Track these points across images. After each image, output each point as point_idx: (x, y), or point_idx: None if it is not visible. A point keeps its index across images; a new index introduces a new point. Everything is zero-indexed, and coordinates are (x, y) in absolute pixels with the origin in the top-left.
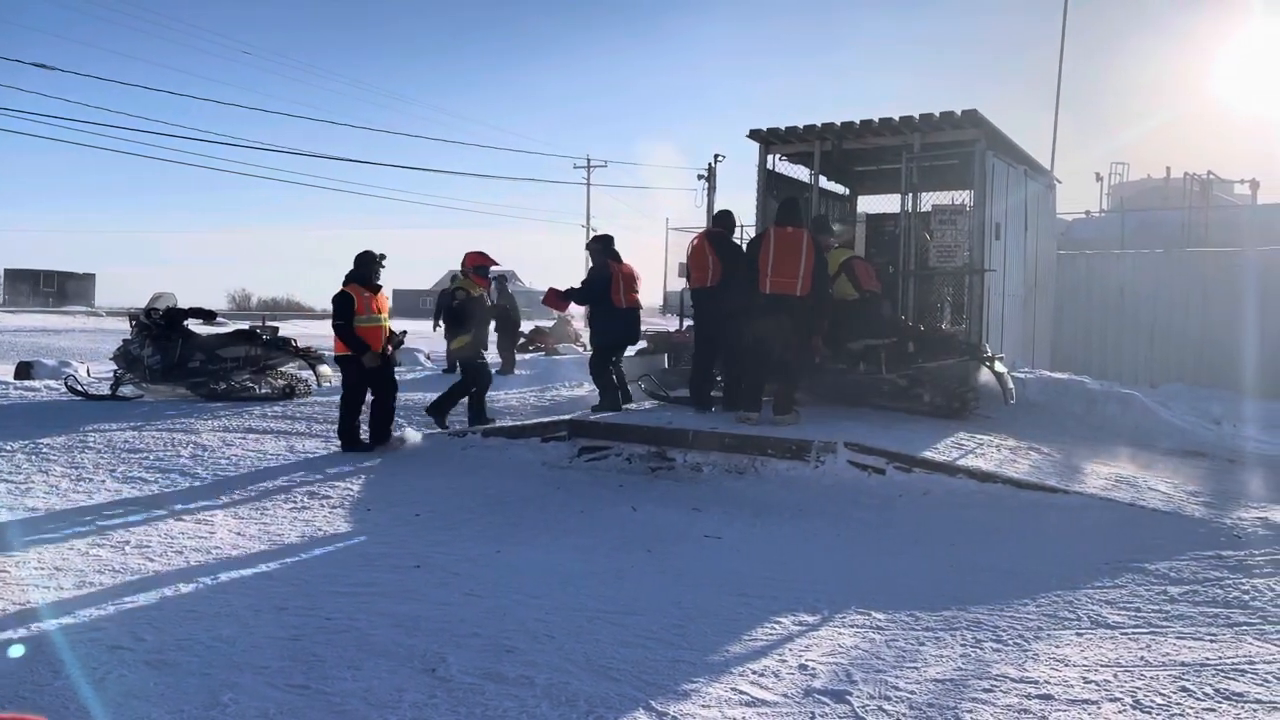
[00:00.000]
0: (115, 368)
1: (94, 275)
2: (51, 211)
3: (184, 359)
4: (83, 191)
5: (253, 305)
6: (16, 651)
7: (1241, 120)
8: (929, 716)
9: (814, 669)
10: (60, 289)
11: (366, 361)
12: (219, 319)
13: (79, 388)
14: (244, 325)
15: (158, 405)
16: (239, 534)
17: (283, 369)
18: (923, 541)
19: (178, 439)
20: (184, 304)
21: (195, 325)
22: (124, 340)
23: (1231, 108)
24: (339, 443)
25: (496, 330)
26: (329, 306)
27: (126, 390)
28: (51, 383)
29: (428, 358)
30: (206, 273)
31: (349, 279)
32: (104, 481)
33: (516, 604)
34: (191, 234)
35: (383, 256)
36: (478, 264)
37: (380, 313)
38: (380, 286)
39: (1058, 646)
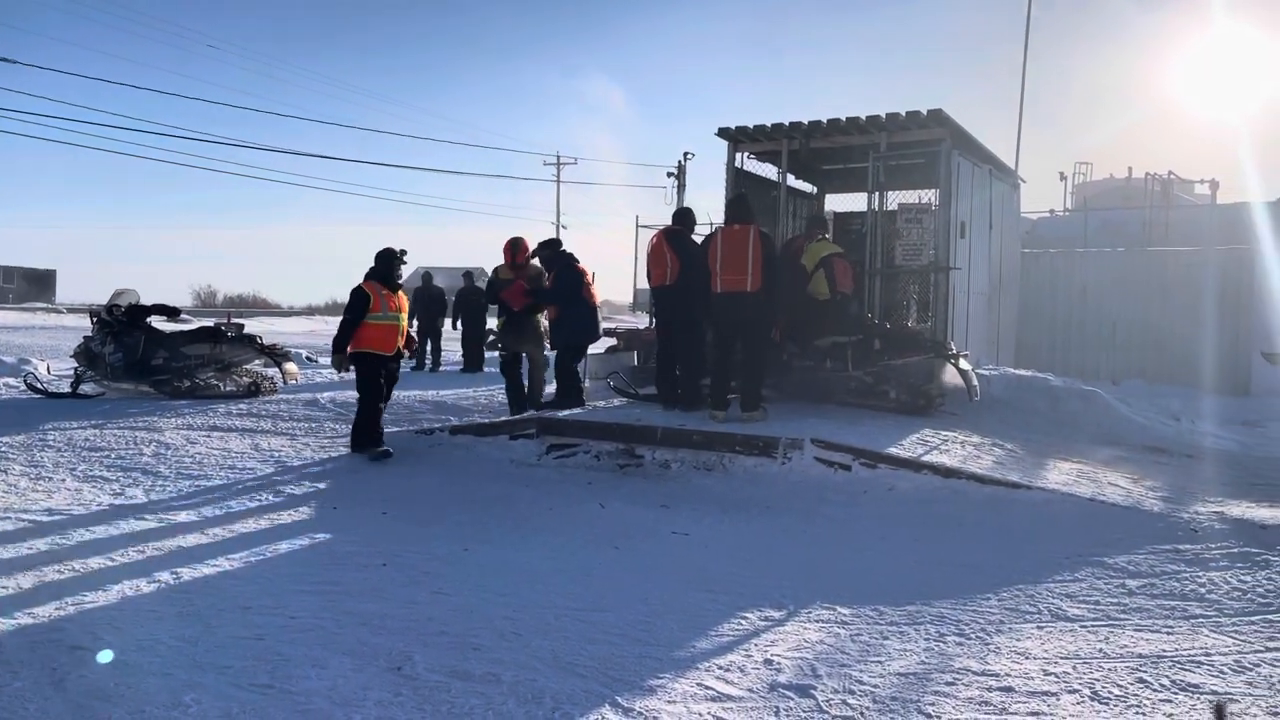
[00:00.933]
0: (76, 365)
1: (55, 271)
2: (11, 207)
3: (147, 356)
4: (43, 186)
5: (218, 302)
6: None
7: (1202, 122)
8: (892, 710)
9: (779, 664)
10: (21, 285)
11: (334, 364)
12: (183, 316)
13: (39, 385)
14: (209, 322)
15: (119, 403)
16: (202, 533)
17: (248, 367)
18: (888, 537)
19: (140, 437)
20: (147, 300)
21: (159, 322)
22: (85, 337)
23: (1192, 110)
24: (347, 444)
25: (462, 326)
26: (295, 303)
27: (88, 388)
28: (11, 380)
29: None
30: (171, 269)
31: (369, 276)
32: (64, 480)
33: (484, 602)
34: (156, 230)
35: (403, 253)
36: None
37: (399, 311)
38: (400, 285)
39: (1019, 640)
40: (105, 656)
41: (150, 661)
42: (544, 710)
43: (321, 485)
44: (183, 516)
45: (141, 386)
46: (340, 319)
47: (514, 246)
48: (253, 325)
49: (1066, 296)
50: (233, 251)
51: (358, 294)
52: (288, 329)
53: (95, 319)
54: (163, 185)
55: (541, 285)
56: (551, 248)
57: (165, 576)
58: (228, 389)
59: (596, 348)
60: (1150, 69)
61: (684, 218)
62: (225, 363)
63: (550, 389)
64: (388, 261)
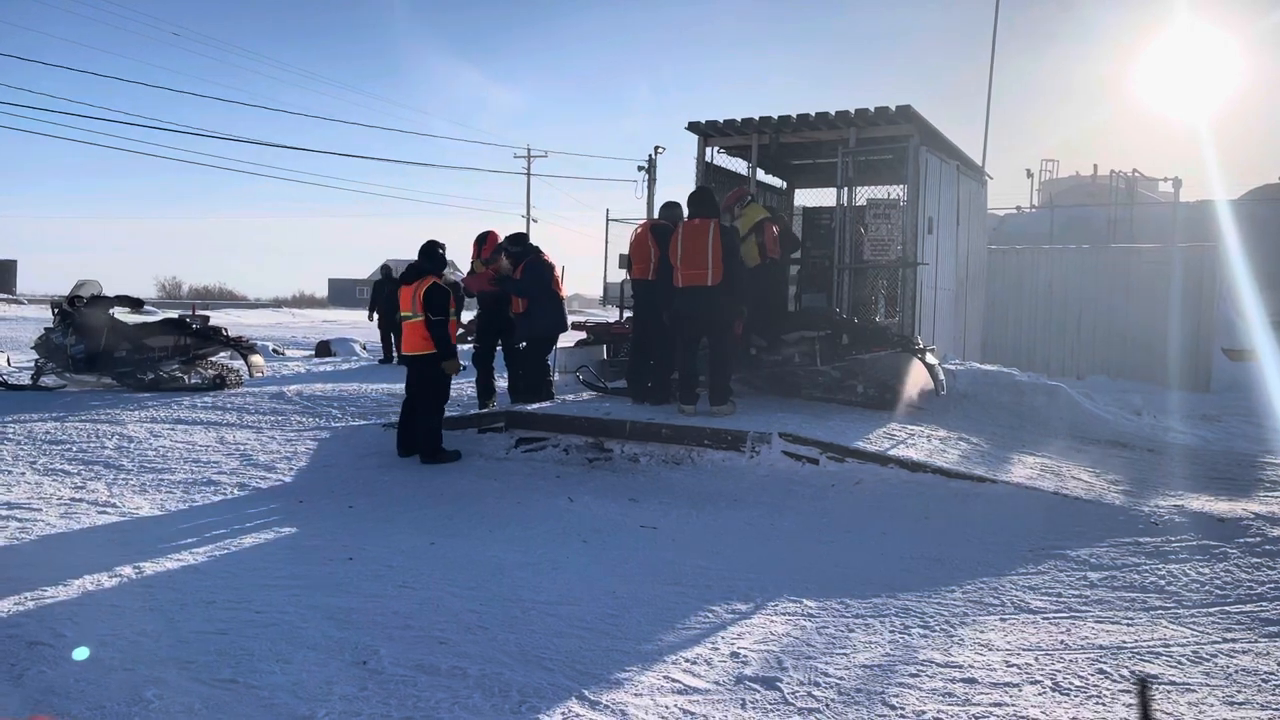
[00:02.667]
0: (37, 357)
1: (16, 262)
2: None
3: (109, 348)
4: (3, 175)
5: (183, 293)
6: None
7: (1166, 120)
8: (857, 702)
9: (746, 656)
10: None
11: (448, 368)
12: (147, 307)
13: None
14: (173, 314)
15: (81, 396)
16: (165, 527)
17: (213, 359)
18: (854, 530)
19: (102, 430)
20: (110, 292)
21: (122, 313)
22: (46, 329)
23: (1157, 108)
24: (419, 456)
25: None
26: (262, 295)
27: (48, 380)
28: None
29: (363, 348)
30: (135, 260)
31: (429, 272)
32: (23, 474)
33: (450, 596)
34: (119, 220)
35: (443, 247)
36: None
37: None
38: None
39: (982, 632)
40: (81, 654)
41: (111, 657)
42: (510, 704)
43: (287, 479)
44: (145, 510)
45: (104, 379)
46: (430, 321)
47: (482, 241)
48: (219, 317)
49: (1032, 293)
50: (198, 243)
51: (440, 292)
52: (254, 321)
53: (57, 310)
54: (127, 174)
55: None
56: (519, 242)
57: (127, 571)
58: (192, 382)
59: (565, 341)
60: (1115, 68)
61: (670, 212)
62: (190, 355)
63: (502, 383)
64: (441, 257)
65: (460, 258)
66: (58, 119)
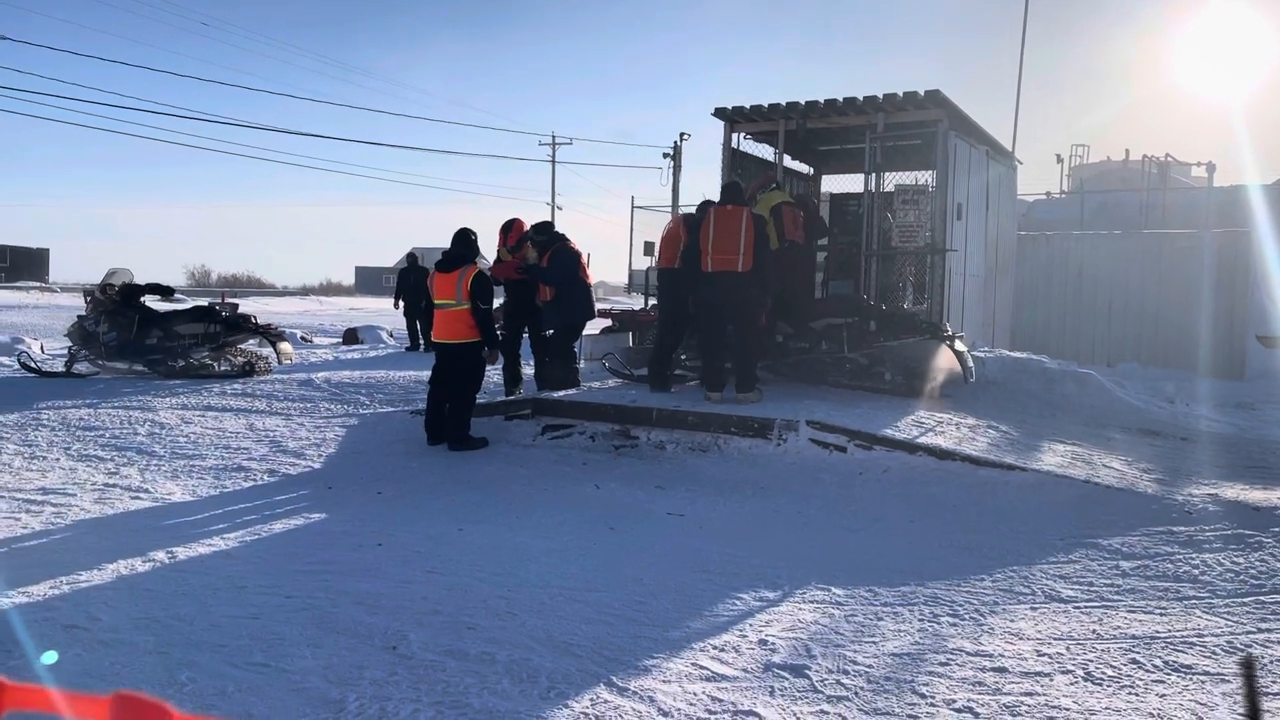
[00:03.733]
0: (70, 344)
1: (48, 250)
2: (3, 185)
3: (141, 336)
4: (37, 164)
5: (212, 282)
6: None
7: (1199, 104)
8: (886, 690)
9: (774, 644)
10: (13, 264)
11: (491, 358)
12: (177, 295)
13: (32, 364)
14: (203, 302)
15: (114, 383)
16: (197, 512)
17: (242, 346)
18: (883, 518)
19: (134, 417)
20: (141, 280)
21: (153, 301)
22: (79, 316)
23: (1190, 92)
24: (447, 444)
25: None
26: (290, 284)
27: (81, 367)
28: (4, 359)
29: (390, 335)
30: (165, 248)
31: (469, 260)
32: (58, 459)
33: (478, 581)
34: (150, 209)
35: (475, 235)
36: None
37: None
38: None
39: (1012, 620)
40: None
41: (146, 640)
42: (539, 689)
43: (316, 465)
44: (178, 496)
45: (136, 366)
46: (479, 310)
47: (507, 229)
48: (247, 305)
49: (1062, 279)
50: (227, 231)
51: (486, 280)
52: (283, 309)
53: (89, 298)
54: (158, 164)
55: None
56: (545, 231)
57: (160, 555)
58: (222, 369)
59: (591, 328)
60: (1148, 51)
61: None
62: (220, 342)
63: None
64: (474, 245)
65: (486, 246)
66: (90, 109)
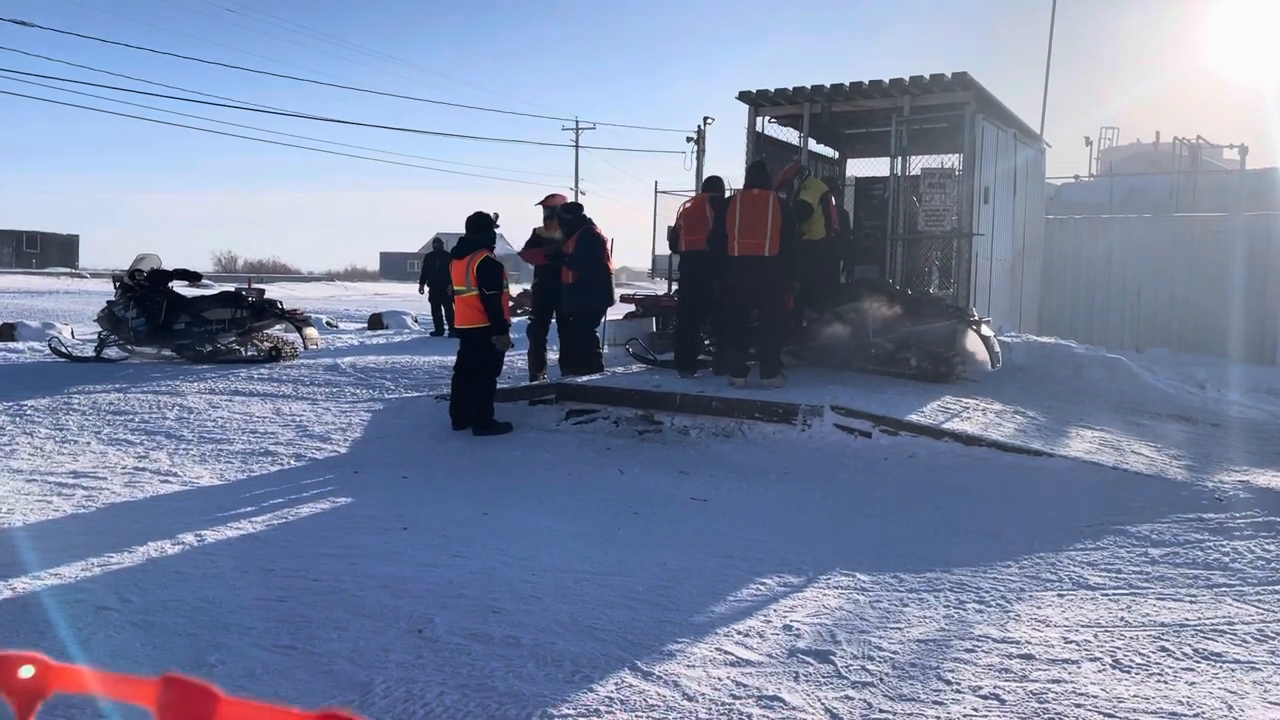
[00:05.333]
0: (99, 330)
1: (78, 236)
2: (34, 171)
3: (169, 321)
4: (66, 151)
5: (239, 267)
6: (3, 613)
7: (1231, 85)
8: (911, 676)
9: (798, 629)
10: (44, 250)
11: (500, 345)
12: (204, 281)
13: (63, 349)
14: (230, 287)
15: (142, 367)
16: (225, 496)
17: (269, 331)
18: (908, 504)
19: (163, 401)
20: (169, 265)
21: (180, 287)
22: (108, 302)
23: (1221, 73)
24: (471, 429)
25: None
26: (315, 269)
27: (111, 352)
28: (35, 344)
29: (415, 320)
30: (192, 234)
31: (482, 245)
32: (89, 443)
33: (503, 566)
34: (177, 195)
35: (496, 216)
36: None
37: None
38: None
39: (1039, 607)
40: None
41: (175, 622)
42: (564, 673)
43: (342, 450)
44: (206, 480)
45: (164, 351)
46: (484, 295)
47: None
48: (273, 291)
49: (1090, 263)
50: (253, 217)
51: (495, 266)
52: (308, 294)
53: (118, 284)
54: (186, 151)
55: (560, 248)
56: (574, 211)
57: (189, 538)
58: (249, 354)
59: (614, 313)
60: (1179, 31)
61: (717, 185)
62: (246, 328)
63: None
64: (491, 229)
65: (509, 229)
66: (116, 95)
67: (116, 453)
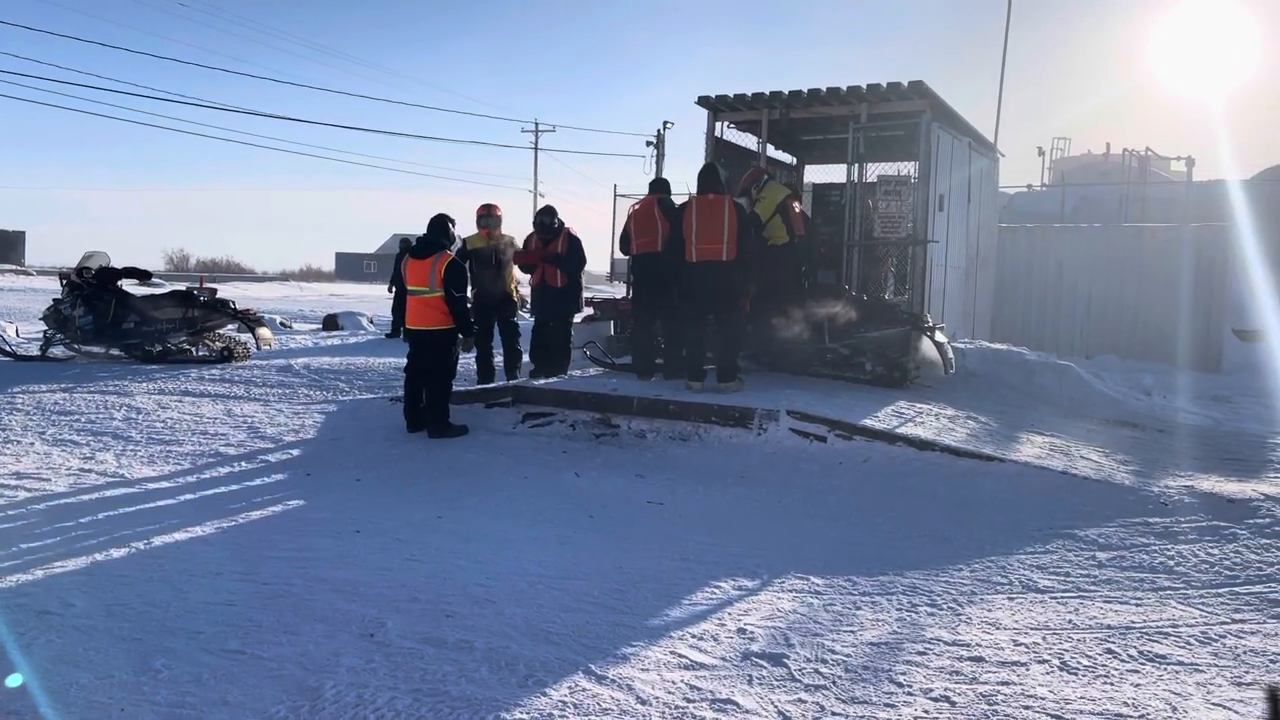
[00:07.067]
0: (45, 328)
1: (24, 233)
2: None
3: (117, 320)
4: (11, 145)
5: (191, 266)
6: None
7: (1179, 99)
8: (864, 679)
9: (752, 632)
10: None
11: (463, 347)
12: (155, 279)
13: (7, 348)
14: (181, 286)
15: (89, 367)
16: (174, 498)
17: (221, 331)
18: (862, 508)
19: (110, 401)
20: (118, 263)
21: (130, 285)
22: (54, 300)
23: (1170, 86)
24: (426, 431)
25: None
26: (269, 269)
27: (57, 351)
28: None
29: (370, 321)
30: (142, 232)
31: (444, 247)
32: (32, 444)
33: (457, 569)
34: (126, 192)
35: (453, 221)
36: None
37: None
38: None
39: (990, 610)
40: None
41: (120, 626)
42: (517, 677)
43: (295, 452)
44: (154, 482)
45: (112, 350)
46: (453, 297)
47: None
48: (226, 290)
49: (1043, 271)
50: (205, 215)
51: (461, 268)
52: (262, 294)
53: (65, 281)
54: (136, 147)
55: (511, 253)
56: (554, 215)
57: (136, 542)
58: (200, 354)
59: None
60: (1129, 45)
61: (664, 186)
62: (198, 327)
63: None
64: (449, 231)
65: (467, 231)
66: (64, 89)
67: (61, 454)
